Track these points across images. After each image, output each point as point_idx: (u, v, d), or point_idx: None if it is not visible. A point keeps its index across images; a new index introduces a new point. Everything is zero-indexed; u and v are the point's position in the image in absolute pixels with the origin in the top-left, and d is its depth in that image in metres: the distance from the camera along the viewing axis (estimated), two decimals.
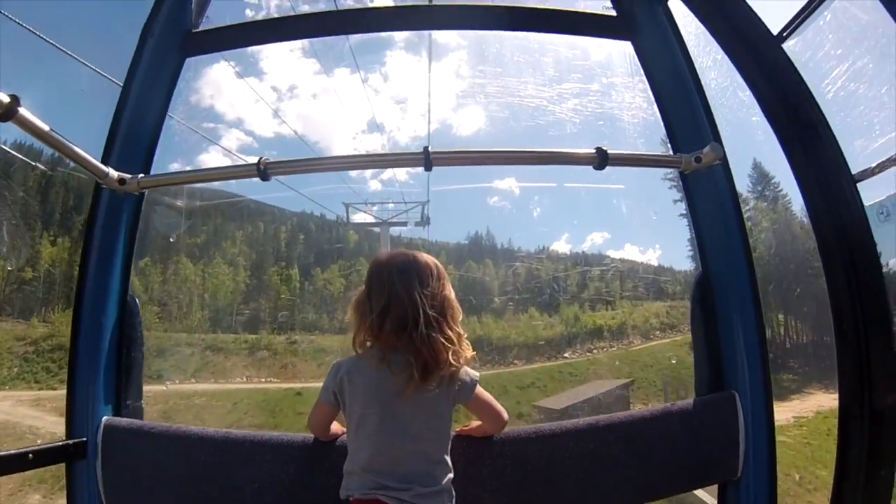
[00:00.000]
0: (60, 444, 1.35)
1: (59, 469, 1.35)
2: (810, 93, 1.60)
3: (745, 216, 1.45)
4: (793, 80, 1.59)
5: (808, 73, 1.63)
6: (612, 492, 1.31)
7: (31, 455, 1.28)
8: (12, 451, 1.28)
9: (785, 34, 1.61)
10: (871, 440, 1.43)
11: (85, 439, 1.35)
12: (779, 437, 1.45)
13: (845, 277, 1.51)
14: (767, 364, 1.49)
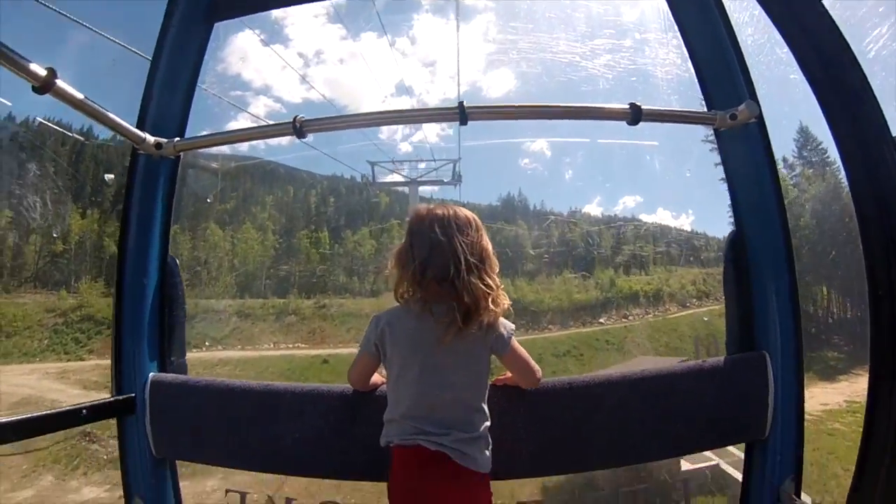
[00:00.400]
0: (111, 400, 1.41)
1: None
2: (851, 51, 1.54)
3: (791, 182, 1.41)
4: (833, 37, 1.52)
5: (850, 30, 1.56)
6: (642, 444, 1.34)
7: (84, 411, 1.35)
8: (67, 408, 1.35)
9: None
10: None
11: (133, 395, 1.42)
12: (832, 425, 1.42)
13: (883, 247, 1.47)
14: (800, 325, 1.48)
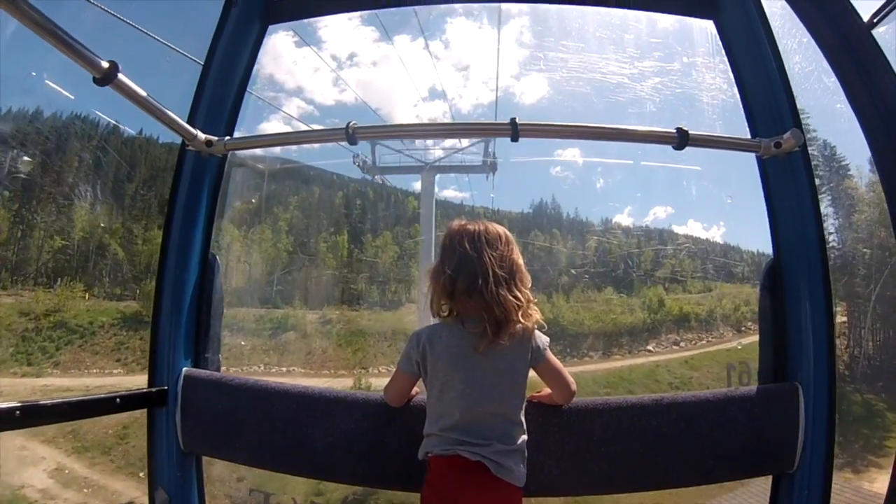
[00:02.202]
0: (144, 391, 1.44)
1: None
2: None
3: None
4: (881, 68, 1.51)
5: None
6: (669, 471, 1.33)
7: (118, 399, 1.37)
8: (103, 395, 1.38)
9: (875, 20, 1.53)
10: None
11: (166, 388, 1.44)
12: None
13: None
14: (834, 358, 1.47)
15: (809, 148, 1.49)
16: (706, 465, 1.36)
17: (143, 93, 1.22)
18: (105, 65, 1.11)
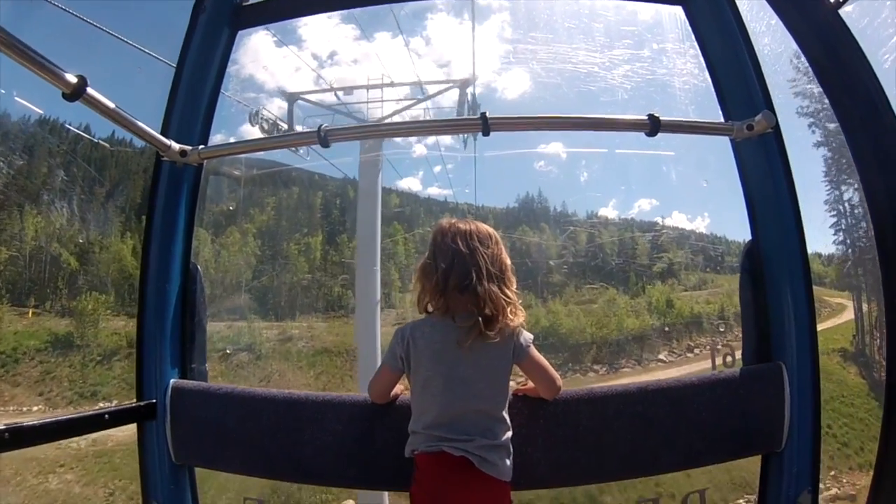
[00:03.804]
0: (133, 405, 1.43)
1: None
2: (867, 61, 1.55)
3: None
4: (849, 47, 1.53)
5: (865, 40, 1.57)
6: (658, 456, 1.34)
7: (107, 416, 1.36)
8: (90, 412, 1.37)
9: (842, 0, 1.55)
10: None
11: (154, 401, 1.43)
12: None
13: None
14: (815, 336, 1.48)
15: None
16: (695, 448, 1.38)
17: (113, 105, 1.21)
18: (73, 80, 1.10)
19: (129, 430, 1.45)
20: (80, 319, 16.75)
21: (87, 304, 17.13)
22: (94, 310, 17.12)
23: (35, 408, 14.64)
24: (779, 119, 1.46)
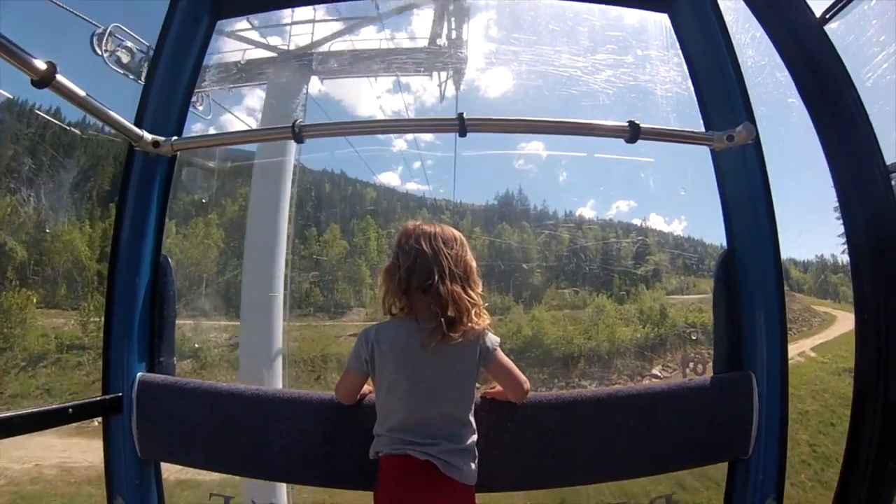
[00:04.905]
0: (98, 399, 1.40)
1: None
2: (850, 78, 1.56)
3: None
4: (832, 64, 1.54)
5: (849, 58, 1.58)
6: (626, 462, 1.35)
7: (70, 409, 1.33)
8: (54, 407, 1.34)
9: (828, 16, 1.56)
10: (882, 432, 1.45)
11: (120, 394, 1.41)
12: None
13: (871, 269, 1.50)
14: (786, 347, 1.50)
15: None
16: (663, 454, 1.39)
17: (84, 94, 1.18)
18: (42, 66, 1.06)
19: None
20: (7, 318, 14.48)
21: (13, 301, 14.83)
22: (21, 307, 14.86)
23: None
24: (759, 131, 1.47)
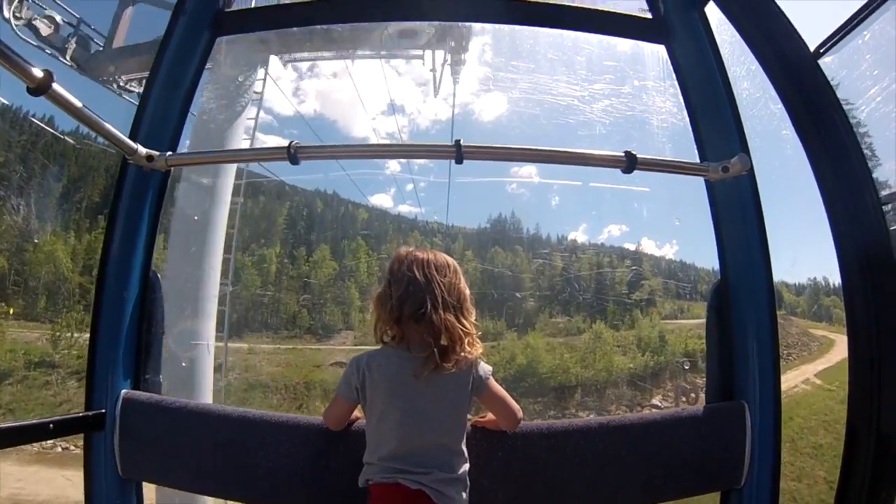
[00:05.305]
0: (80, 415, 1.37)
1: None
2: (843, 111, 1.59)
3: None
4: (826, 97, 1.57)
5: (843, 91, 1.61)
6: (617, 492, 1.34)
7: (51, 425, 1.30)
8: (34, 422, 1.30)
9: (822, 50, 1.59)
10: (875, 461, 1.45)
11: (104, 411, 1.37)
12: None
13: (863, 299, 1.51)
14: (779, 376, 1.51)
15: None
16: (654, 483, 1.38)
17: (79, 104, 1.17)
18: (39, 74, 1.06)
19: None
20: None
21: None
22: None
23: None
24: (754, 163, 1.49)
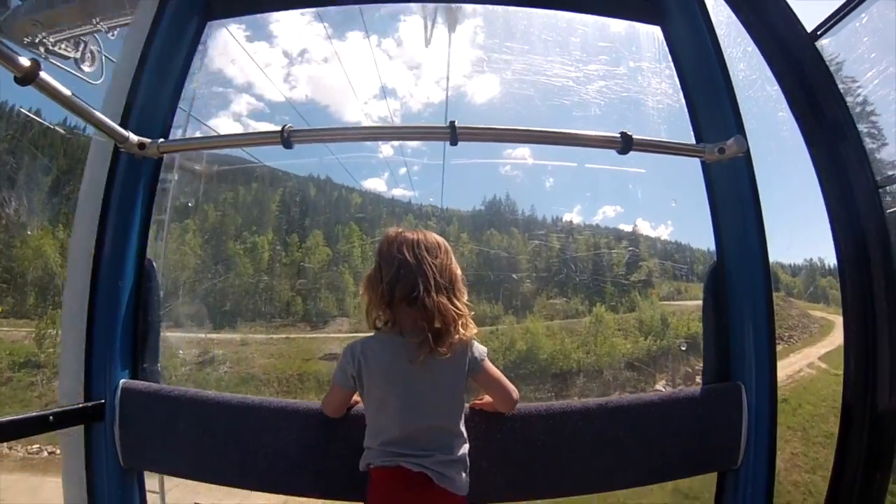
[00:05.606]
0: (79, 406, 1.37)
1: None
2: (840, 94, 1.58)
3: None
4: (823, 79, 1.57)
5: (840, 73, 1.60)
6: (615, 473, 1.35)
7: (51, 417, 1.30)
8: (34, 414, 1.30)
9: (819, 32, 1.58)
10: (870, 443, 1.47)
11: (103, 401, 1.37)
12: None
13: (859, 282, 1.52)
14: (775, 358, 1.51)
15: None
16: (652, 465, 1.39)
17: (67, 92, 1.15)
18: (26, 63, 1.04)
19: None
20: None
21: None
22: None
23: None
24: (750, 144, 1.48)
